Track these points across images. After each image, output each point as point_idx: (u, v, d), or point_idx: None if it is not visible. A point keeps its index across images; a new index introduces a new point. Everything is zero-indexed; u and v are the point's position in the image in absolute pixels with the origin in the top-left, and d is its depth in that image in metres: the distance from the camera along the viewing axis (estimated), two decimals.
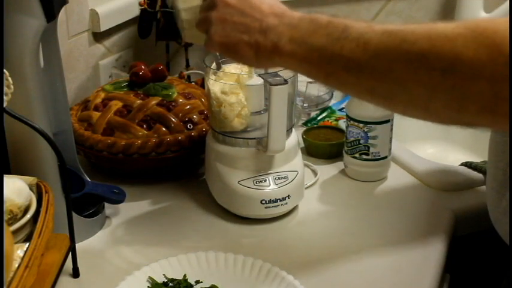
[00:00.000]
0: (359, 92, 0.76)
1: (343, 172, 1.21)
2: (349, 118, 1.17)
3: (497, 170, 0.92)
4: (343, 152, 1.20)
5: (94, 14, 1.33)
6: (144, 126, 1.14)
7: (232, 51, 0.85)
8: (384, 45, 0.70)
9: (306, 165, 1.17)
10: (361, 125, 1.15)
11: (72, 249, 0.91)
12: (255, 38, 0.82)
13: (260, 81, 1.03)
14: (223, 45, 0.86)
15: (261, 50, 0.82)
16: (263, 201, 1.04)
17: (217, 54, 1.06)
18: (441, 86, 0.66)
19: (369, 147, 1.15)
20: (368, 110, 1.14)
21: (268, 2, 0.84)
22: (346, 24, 0.74)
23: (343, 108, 1.45)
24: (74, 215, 0.92)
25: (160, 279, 0.91)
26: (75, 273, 0.93)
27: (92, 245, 1.01)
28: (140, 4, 1.38)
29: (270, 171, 1.05)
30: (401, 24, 0.71)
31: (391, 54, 0.69)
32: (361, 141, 1.16)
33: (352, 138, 1.17)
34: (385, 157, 1.17)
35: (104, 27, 1.35)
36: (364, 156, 1.16)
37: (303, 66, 0.79)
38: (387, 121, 1.15)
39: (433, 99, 0.68)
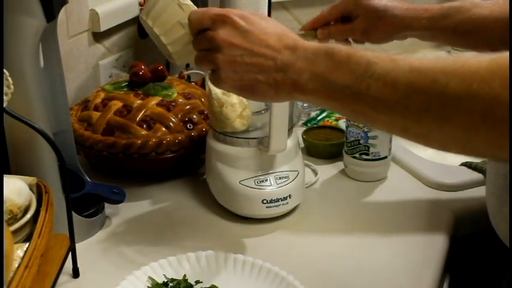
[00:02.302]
0: (391, 130, 0.73)
1: (343, 172, 1.21)
2: (349, 118, 1.17)
3: (497, 176, 0.91)
4: (343, 152, 1.20)
5: (94, 14, 1.33)
6: (144, 126, 1.14)
7: (250, 92, 0.81)
8: (414, 85, 0.66)
9: (306, 165, 1.17)
10: (361, 125, 1.15)
11: (72, 249, 0.91)
12: (273, 77, 0.77)
13: None
14: (239, 88, 0.81)
15: (280, 88, 0.77)
16: (264, 201, 1.04)
17: None
18: (480, 128, 0.63)
19: (368, 147, 1.15)
20: None
21: (273, 31, 0.79)
22: (368, 60, 0.70)
23: None
24: (74, 215, 0.92)
25: (160, 279, 0.91)
26: (75, 273, 0.93)
27: (92, 245, 1.01)
28: (140, 4, 1.38)
29: (271, 171, 1.05)
30: (425, 58, 0.68)
31: (423, 95, 0.66)
32: (361, 141, 1.15)
33: (352, 138, 1.17)
34: (385, 157, 1.17)
35: (104, 27, 1.35)
36: (364, 156, 1.16)
37: (328, 104, 0.76)
38: None
39: (471, 140, 0.65)
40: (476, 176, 1.17)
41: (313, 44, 0.77)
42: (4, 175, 0.80)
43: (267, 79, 0.78)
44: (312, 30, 1.06)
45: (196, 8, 0.87)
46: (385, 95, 0.68)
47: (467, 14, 0.99)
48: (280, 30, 0.80)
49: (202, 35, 0.83)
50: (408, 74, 0.67)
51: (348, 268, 0.96)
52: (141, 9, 1.38)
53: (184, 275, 0.92)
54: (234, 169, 1.05)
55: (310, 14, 1.08)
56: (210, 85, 1.06)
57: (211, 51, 0.81)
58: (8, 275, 0.73)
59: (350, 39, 1.09)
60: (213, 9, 0.83)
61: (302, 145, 1.25)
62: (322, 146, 1.26)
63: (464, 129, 0.64)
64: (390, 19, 1.03)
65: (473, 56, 0.66)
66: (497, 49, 0.99)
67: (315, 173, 1.21)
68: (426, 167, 1.20)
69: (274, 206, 1.05)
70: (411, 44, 1.79)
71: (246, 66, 0.79)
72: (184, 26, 0.87)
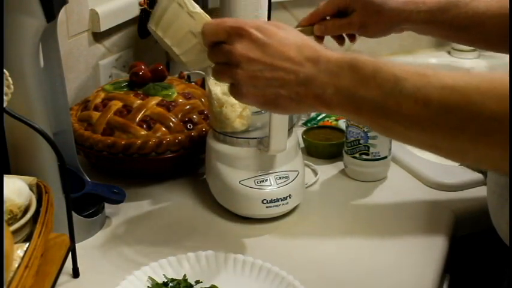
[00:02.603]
0: (421, 146, 0.71)
1: (343, 172, 1.21)
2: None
3: (499, 175, 0.91)
4: (343, 152, 1.20)
5: (94, 14, 1.33)
6: (144, 126, 1.14)
7: (272, 107, 0.79)
8: (448, 103, 0.65)
9: (306, 165, 1.17)
10: (361, 125, 1.15)
11: (72, 249, 0.91)
12: (295, 91, 0.75)
13: None
14: (261, 103, 0.79)
15: (303, 101, 0.76)
16: (264, 201, 1.04)
17: None
18: None
19: (368, 147, 1.15)
20: None
21: (293, 42, 0.76)
22: (396, 75, 0.68)
23: None
24: (74, 215, 0.92)
25: (160, 279, 0.91)
26: (75, 273, 0.93)
27: (92, 245, 1.01)
28: (140, 4, 1.38)
29: (271, 171, 1.05)
30: (455, 72, 0.67)
31: (457, 114, 0.64)
32: (361, 141, 1.15)
33: (352, 138, 1.16)
34: (385, 157, 1.17)
35: (104, 27, 1.35)
36: (364, 156, 1.16)
37: (354, 118, 0.75)
38: None
39: (508, 159, 0.63)
40: (476, 176, 1.17)
41: (335, 55, 0.74)
42: (4, 175, 0.80)
43: (289, 93, 0.76)
44: (308, 26, 1.06)
45: (207, 16, 0.85)
46: (416, 113, 0.67)
47: (464, 8, 0.98)
48: (300, 40, 0.77)
49: (218, 48, 0.81)
50: (440, 92, 0.65)
51: (348, 268, 0.96)
52: (141, 9, 1.38)
53: (184, 275, 0.92)
54: (234, 169, 1.05)
55: None
56: (210, 85, 1.06)
57: (230, 66, 0.79)
58: (8, 275, 0.73)
59: (344, 35, 1.08)
60: (228, 21, 0.80)
61: (302, 145, 1.25)
62: (322, 146, 1.26)
63: (500, 148, 0.63)
64: (388, 12, 1.02)
65: (506, 73, 0.64)
66: (494, 45, 0.99)
67: (315, 173, 1.21)
68: (426, 167, 1.20)
69: (274, 206, 1.05)
70: (411, 44, 1.79)
71: (267, 81, 0.77)
72: (196, 35, 0.84)
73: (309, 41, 0.78)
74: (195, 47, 0.85)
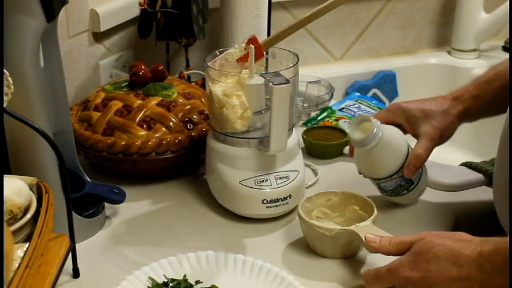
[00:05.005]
0: None
1: (343, 172, 1.21)
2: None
3: (506, 172, 0.92)
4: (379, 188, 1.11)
5: (94, 14, 1.33)
6: (144, 126, 1.14)
7: None
8: None
9: (306, 165, 1.16)
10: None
11: (72, 249, 0.91)
12: None
13: (261, 80, 1.03)
14: None
15: None
16: (264, 201, 1.04)
17: (217, 52, 1.07)
18: None
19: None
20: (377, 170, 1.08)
21: (448, 263, 0.80)
22: None
23: (343, 108, 1.45)
24: (74, 215, 0.92)
25: (160, 279, 0.91)
26: (75, 273, 0.93)
27: (92, 245, 1.01)
28: (140, 4, 1.38)
29: (271, 171, 1.05)
30: None
31: None
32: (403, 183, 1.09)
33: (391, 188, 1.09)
34: None
35: (104, 27, 1.35)
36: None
37: None
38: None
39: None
40: (476, 176, 1.17)
41: (485, 251, 0.78)
42: (4, 175, 0.80)
43: None
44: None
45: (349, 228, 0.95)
46: None
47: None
48: (450, 255, 0.80)
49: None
50: None
51: (348, 268, 0.96)
52: (141, 9, 1.38)
53: (185, 275, 0.92)
54: (234, 169, 1.05)
55: None
56: (210, 85, 1.06)
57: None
58: (8, 275, 0.73)
59: None
60: (386, 276, 0.84)
61: (302, 145, 1.25)
62: (322, 146, 1.26)
63: None
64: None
65: None
66: None
67: (315, 173, 1.21)
68: (426, 167, 1.20)
69: (274, 206, 1.05)
70: (411, 44, 1.79)
71: None
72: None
73: (462, 250, 0.80)
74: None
